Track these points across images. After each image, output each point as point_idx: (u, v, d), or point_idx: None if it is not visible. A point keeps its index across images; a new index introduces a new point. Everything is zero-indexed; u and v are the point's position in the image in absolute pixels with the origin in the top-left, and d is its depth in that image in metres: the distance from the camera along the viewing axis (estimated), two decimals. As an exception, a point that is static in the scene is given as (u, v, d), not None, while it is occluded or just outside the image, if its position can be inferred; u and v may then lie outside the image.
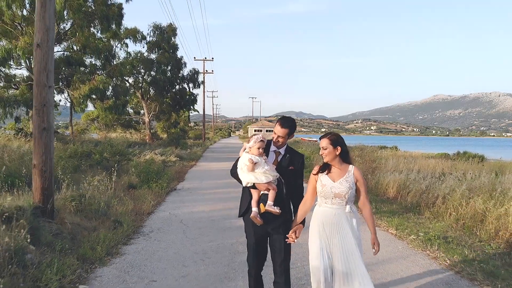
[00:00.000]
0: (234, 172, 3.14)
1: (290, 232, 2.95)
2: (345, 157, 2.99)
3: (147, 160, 11.37)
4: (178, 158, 18.17)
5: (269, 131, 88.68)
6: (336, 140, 2.93)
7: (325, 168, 2.98)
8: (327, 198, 2.94)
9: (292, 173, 3.06)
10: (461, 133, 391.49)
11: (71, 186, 7.26)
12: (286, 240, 2.96)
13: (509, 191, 7.03)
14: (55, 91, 21.09)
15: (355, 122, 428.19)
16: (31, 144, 13.06)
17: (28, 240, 3.86)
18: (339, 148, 2.93)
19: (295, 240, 2.95)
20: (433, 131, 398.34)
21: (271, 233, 3.07)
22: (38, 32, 5.28)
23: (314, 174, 3.03)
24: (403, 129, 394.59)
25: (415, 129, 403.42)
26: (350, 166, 3.00)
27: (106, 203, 6.81)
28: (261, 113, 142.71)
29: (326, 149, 2.93)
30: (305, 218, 3.09)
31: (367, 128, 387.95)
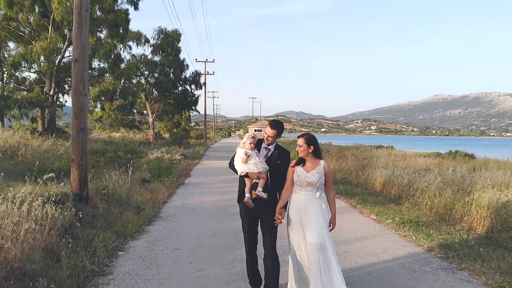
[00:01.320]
0: (231, 164, 3.81)
1: (277, 214, 3.61)
2: (317, 153, 3.64)
3: (158, 158, 12.46)
4: (182, 157, 19.22)
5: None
6: (309, 140, 3.62)
7: (301, 162, 3.64)
8: (302, 186, 3.58)
9: (279, 166, 3.70)
10: (461, 133, 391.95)
11: (94, 179, 8.35)
12: (274, 222, 3.61)
13: (476, 184, 8.11)
14: (60, 93, 22.22)
15: (355, 122, 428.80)
16: (49, 143, 14.18)
17: (81, 216, 4.92)
18: (312, 146, 3.59)
19: (282, 221, 3.71)
20: (433, 131, 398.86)
21: (261, 216, 3.71)
22: (75, 49, 6.34)
23: (291, 167, 3.67)
24: (403, 129, 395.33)
25: (415, 129, 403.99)
26: (321, 161, 3.66)
27: (126, 194, 7.90)
28: (261, 113, 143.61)
29: (301, 146, 3.59)
30: (287, 202, 3.71)
31: (367, 128, 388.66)
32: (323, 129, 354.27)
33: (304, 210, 3.55)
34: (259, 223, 3.82)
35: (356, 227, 6.67)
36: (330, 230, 3.63)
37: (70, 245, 4.44)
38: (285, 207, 3.70)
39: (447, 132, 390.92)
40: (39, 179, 7.78)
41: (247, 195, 3.65)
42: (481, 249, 5.36)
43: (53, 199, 4.96)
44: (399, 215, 7.56)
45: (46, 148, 12.68)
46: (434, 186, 8.57)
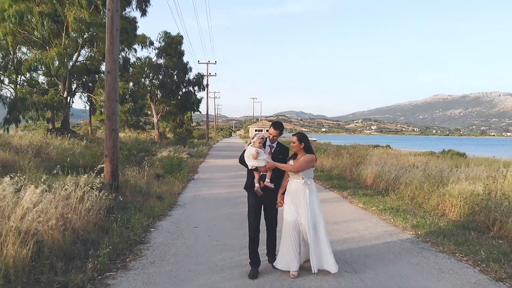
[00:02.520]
0: (242, 160, 4.55)
1: (278, 199, 4.51)
2: (308, 149, 4.43)
3: (169, 155, 13.66)
4: (188, 155, 20.41)
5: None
6: (301, 138, 4.43)
7: (294, 156, 4.50)
8: (291, 175, 4.43)
9: (281, 160, 4.50)
10: (461, 132, 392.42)
11: (116, 174, 9.50)
12: (276, 205, 4.68)
13: (451, 178, 9.28)
14: (67, 95, 23.43)
15: (355, 122, 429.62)
16: (67, 142, 15.38)
17: (121, 199, 6.12)
18: (303, 143, 4.39)
19: (283, 205, 4.65)
20: (433, 131, 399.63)
21: (265, 202, 4.49)
22: (108, 62, 7.54)
23: (287, 160, 4.56)
24: (403, 129, 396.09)
25: (415, 129, 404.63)
26: (307, 154, 4.40)
27: (146, 186, 9.10)
28: (261, 113, 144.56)
29: (294, 143, 4.41)
30: (285, 189, 4.53)
31: (367, 128, 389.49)
32: (323, 129, 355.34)
33: (295, 195, 4.36)
34: (262, 208, 4.64)
35: (345, 213, 7.86)
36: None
37: (119, 219, 5.67)
38: (283, 193, 4.54)
39: (448, 132, 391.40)
40: (72, 172, 8.95)
41: (256, 185, 4.37)
42: (444, 227, 6.55)
43: (96, 187, 6.14)
44: (383, 204, 8.74)
45: (67, 147, 13.90)
46: (416, 180, 9.75)
